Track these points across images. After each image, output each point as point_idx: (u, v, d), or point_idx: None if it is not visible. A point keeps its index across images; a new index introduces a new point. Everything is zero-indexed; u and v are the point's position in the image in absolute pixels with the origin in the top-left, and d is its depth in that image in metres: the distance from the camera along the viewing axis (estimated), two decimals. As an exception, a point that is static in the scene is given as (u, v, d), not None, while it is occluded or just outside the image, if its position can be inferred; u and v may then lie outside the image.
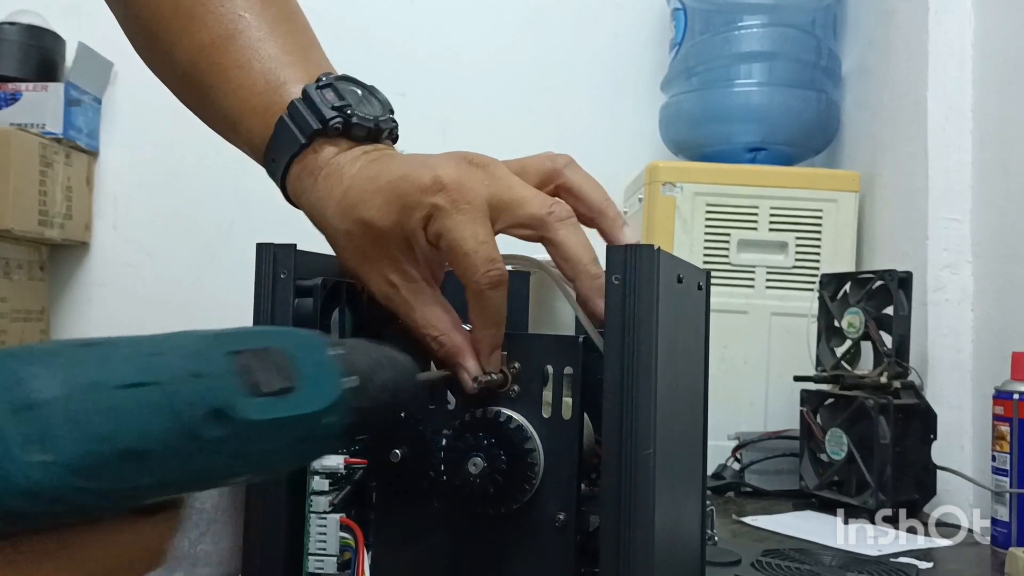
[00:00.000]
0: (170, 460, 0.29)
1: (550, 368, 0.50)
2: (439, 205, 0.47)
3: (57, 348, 0.28)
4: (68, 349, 0.28)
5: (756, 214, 1.34)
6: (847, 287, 1.16)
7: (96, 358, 0.28)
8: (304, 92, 0.54)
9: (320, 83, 0.54)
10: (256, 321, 0.53)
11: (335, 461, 0.50)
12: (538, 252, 0.52)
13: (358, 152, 0.53)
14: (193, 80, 0.57)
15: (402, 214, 0.48)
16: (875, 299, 1.11)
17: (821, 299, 1.18)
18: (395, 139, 0.57)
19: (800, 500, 1.13)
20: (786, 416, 1.25)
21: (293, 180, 0.54)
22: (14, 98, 1.55)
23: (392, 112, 0.56)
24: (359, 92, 0.55)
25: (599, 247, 0.50)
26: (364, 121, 0.53)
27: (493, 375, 0.50)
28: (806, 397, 1.15)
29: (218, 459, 0.30)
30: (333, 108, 0.53)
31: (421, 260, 0.51)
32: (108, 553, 0.30)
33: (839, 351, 1.16)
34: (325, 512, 0.52)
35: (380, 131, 0.54)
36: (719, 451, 1.20)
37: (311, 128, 0.52)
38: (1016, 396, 0.90)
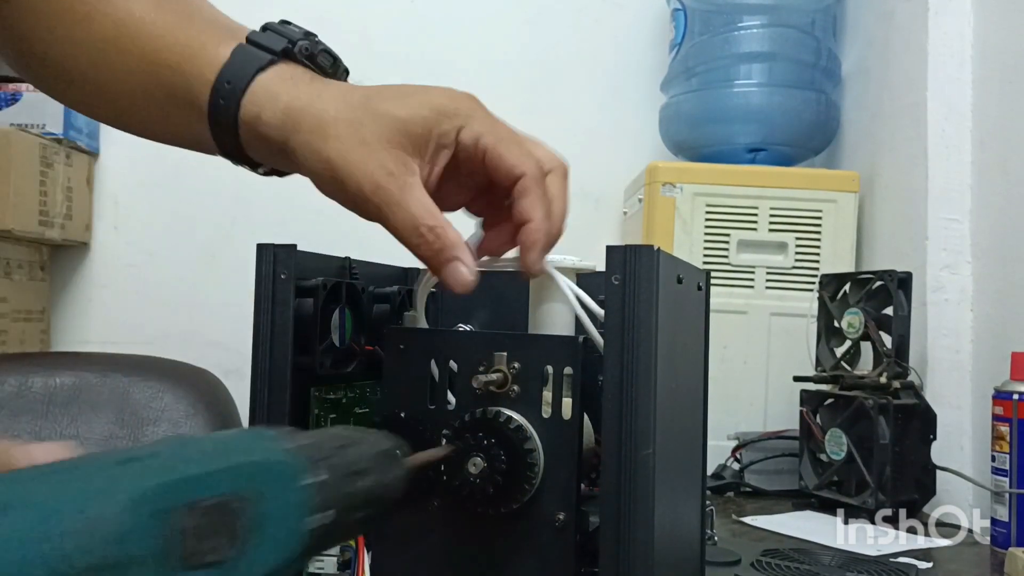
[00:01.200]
0: None
1: (550, 368, 0.50)
2: (477, 110, 0.50)
3: None
4: None
5: (756, 214, 1.34)
6: (847, 287, 1.16)
7: None
8: (263, 27, 0.53)
9: (272, 24, 0.53)
10: (256, 321, 0.53)
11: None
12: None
13: (345, 83, 0.53)
14: (109, 54, 0.54)
15: (438, 116, 0.49)
16: (875, 299, 1.12)
17: (821, 299, 1.18)
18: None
19: (800, 500, 1.13)
20: (786, 416, 1.25)
21: (258, 91, 0.50)
22: (14, 98, 1.55)
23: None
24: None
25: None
26: (330, 51, 0.53)
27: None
28: (806, 397, 1.15)
29: None
30: (301, 35, 0.52)
31: (425, 166, 0.50)
32: None
33: (839, 351, 1.16)
34: (325, 512, 0.52)
35: (340, 68, 0.54)
36: (719, 451, 1.20)
37: (280, 46, 0.51)
38: (1016, 396, 0.90)
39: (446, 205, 0.52)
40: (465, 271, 0.48)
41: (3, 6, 0.56)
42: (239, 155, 0.53)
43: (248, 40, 0.52)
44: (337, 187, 0.49)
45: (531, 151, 0.51)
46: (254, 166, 0.54)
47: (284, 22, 0.53)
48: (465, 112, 0.50)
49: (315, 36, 0.54)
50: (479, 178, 0.52)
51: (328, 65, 0.54)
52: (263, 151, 0.52)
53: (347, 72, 0.56)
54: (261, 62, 0.51)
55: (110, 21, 0.54)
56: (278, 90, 0.50)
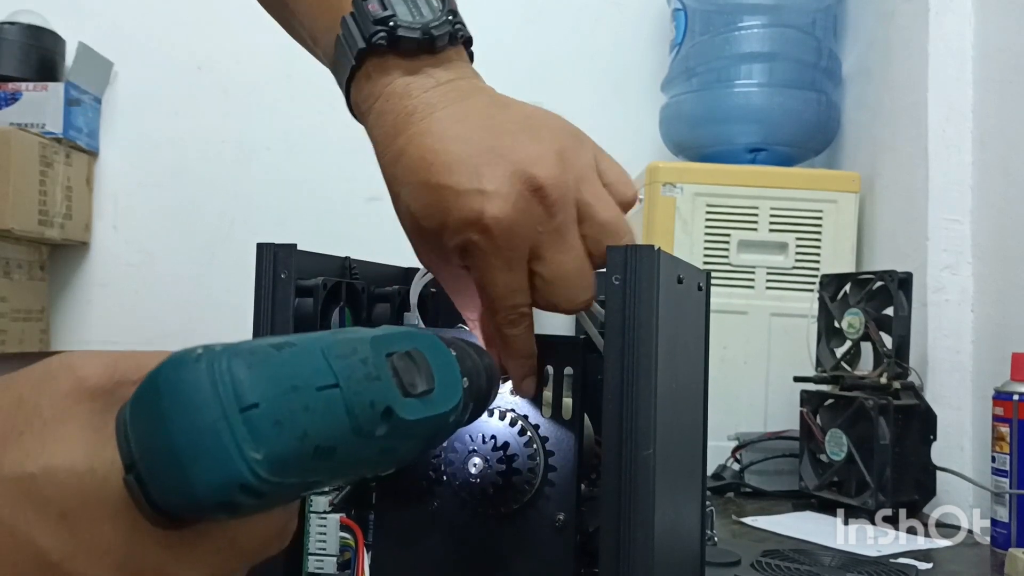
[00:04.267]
0: (347, 455, 0.31)
1: (550, 368, 0.50)
2: (476, 243, 0.44)
3: (256, 349, 0.30)
4: (266, 351, 0.30)
5: (756, 215, 1.34)
6: (847, 288, 1.16)
7: (291, 361, 0.30)
8: (353, 3, 0.49)
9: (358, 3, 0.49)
10: (256, 321, 0.53)
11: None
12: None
13: (416, 87, 0.48)
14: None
15: (441, 230, 0.45)
16: (875, 300, 1.11)
17: (821, 300, 1.18)
18: (466, 41, 0.52)
19: (800, 501, 1.13)
20: (786, 417, 1.25)
21: (357, 108, 0.49)
22: (14, 98, 1.55)
23: (453, 11, 0.50)
24: None
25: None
26: (410, 32, 0.47)
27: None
28: (806, 398, 1.15)
29: (376, 454, 0.32)
30: (376, 22, 0.47)
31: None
32: (252, 539, 0.31)
33: (839, 352, 1.16)
34: (325, 512, 0.52)
35: (433, 40, 0.48)
36: (719, 451, 1.20)
37: (357, 47, 0.48)
38: (1016, 397, 0.90)
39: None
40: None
41: None
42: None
43: (338, 37, 0.49)
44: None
45: (496, 308, 0.48)
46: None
47: None
48: (465, 237, 0.45)
49: (392, 17, 0.48)
50: None
51: (414, 48, 0.48)
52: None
53: (455, 35, 0.50)
54: (347, 72, 0.49)
55: None
56: (365, 120, 0.49)
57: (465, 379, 0.38)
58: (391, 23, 0.47)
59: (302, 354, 0.31)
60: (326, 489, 0.34)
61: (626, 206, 0.49)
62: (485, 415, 0.50)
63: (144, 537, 0.29)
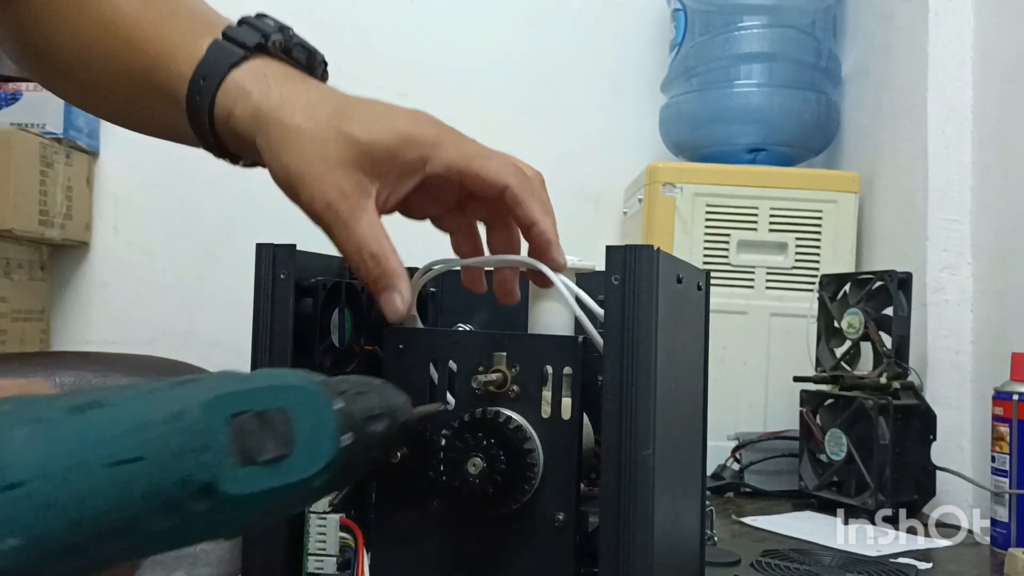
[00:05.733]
0: (150, 533, 0.28)
1: (549, 368, 0.50)
2: (443, 135, 0.50)
3: (44, 415, 0.26)
4: (55, 417, 0.26)
5: (756, 215, 1.34)
6: (847, 288, 1.16)
7: (85, 430, 0.27)
8: (239, 20, 0.53)
9: (249, 17, 0.53)
10: (256, 321, 0.53)
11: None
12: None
13: (323, 84, 0.53)
14: (99, 50, 0.55)
15: (402, 144, 0.49)
16: (875, 300, 1.11)
17: (821, 300, 1.18)
18: (326, 77, 0.56)
19: (800, 501, 1.13)
20: (786, 417, 1.25)
21: (231, 87, 0.51)
22: (14, 98, 1.55)
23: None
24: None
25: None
26: (305, 44, 0.53)
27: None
28: (806, 398, 1.15)
29: (197, 529, 0.30)
30: (275, 28, 0.52)
31: (384, 190, 0.50)
32: None
33: (839, 352, 1.16)
34: (325, 512, 0.52)
35: (316, 61, 0.54)
36: (719, 451, 1.20)
37: (253, 41, 0.52)
38: (1015, 397, 0.90)
39: (417, 215, 0.54)
40: (398, 300, 0.49)
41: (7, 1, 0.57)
42: (219, 148, 0.54)
43: (223, 35, 0.52)
44: (292, 196, 0.50)
45: (508, 162, 0.52)
46: (235, 159, 0.55)
47: (260, 15, 0.54)
48: (431, 140, 0.50)
49: (290, 29, 0.54)
50: (451, 196, 0.53)
51: (303, 59, 0.54)
52: (239, 145, 0.53)
53: (325, 64, 0.56)
54: (234, 58, 0.51)
55: (97, 15, 0.55)
56: (250, 88, 0.51)
57: (348, 435, 0.35)
58: (288, 32, 0.53)
59: (107, 421, 0.27)
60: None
61: None
62: (486, 416, 0.50)
63: None
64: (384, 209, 0.51)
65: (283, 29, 0.53)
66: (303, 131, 0.49)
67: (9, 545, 0.24)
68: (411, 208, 0.54)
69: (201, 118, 0.52)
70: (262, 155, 0.50)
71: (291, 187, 0.50)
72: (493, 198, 0.51)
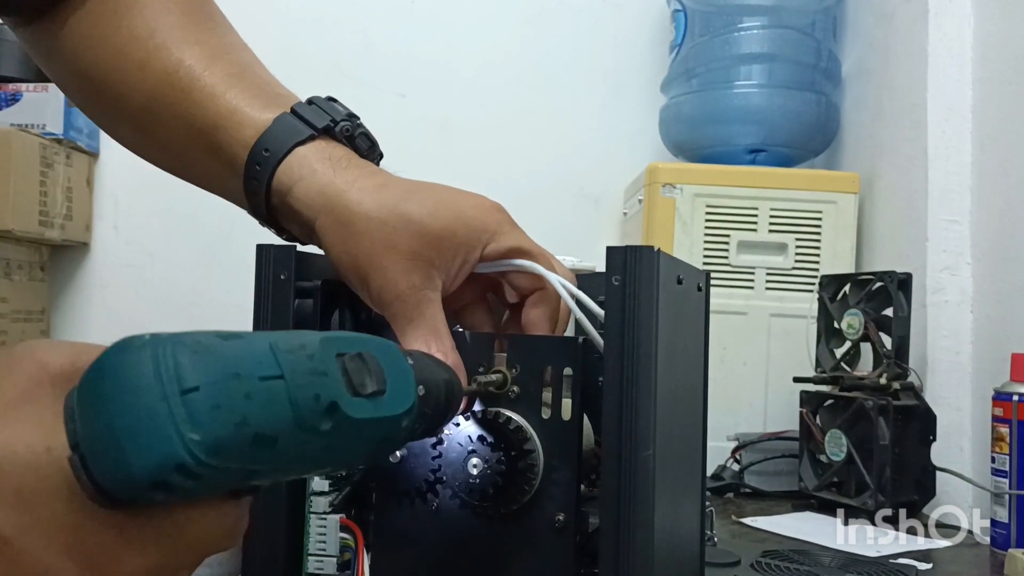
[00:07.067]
0: (289, 447, 0.31)
1: (549, 369, 0.50)
2: (504, 224, 0.51)
3: (201, 340, 0.31)
4: (211, 342, 0.31)
5: (756, 215, 1.34)
6: (847, 288, 1.16)
7: (237, 351, 0.31)
8: (308, 100, 0.54)
9: (318, 99, 0.54)
10: (256, 323, 0.53)
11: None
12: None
13: (386, 171, 0.53)
14: (163, 101, 0.55)
15: (468, 231, 0.50)
16: (875, 300, 1.12)
17: (821, 300, 1.18)
18: None
19: (799, 501, 1.13)
20: (785, 417, 1.25)
21: (294, 163, 0.51)
22: (14, 99, 1.55)
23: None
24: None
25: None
26: (368, 135, 0.54)
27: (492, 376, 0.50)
28: (805, 398, 1.15)
29: (321, 450, 0.33)
30: (344, 115, 0.53)
31: (446, 278, 0.51)
32: (201, 530, 0.32)
33: (839, 352, 1.16)
34: (325, 513, 0.52)
35: (375, 152, 0.55)
36: (719, 452, 1.20)
37: (322, 123, 0.52)
38: (1015, 397, 0.90)
39: (451, 303, 0.54)
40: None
41: (67, 37, 0.58)
42: (267, 218, 0.54)
43: (292, 110, 0.53)
44: (359, 283, 0.50)
45: (554, 267, 0.52)
46: (280, 230, 0.55)
47: (330, 99, 0.54)
48: (493, 227, 0.51)
49: (358, 118, 0.54)
50: (487, 283, 0.54)
51: (365, 148, 0.54)
52: (290, 221, 0.53)
53: (382, 156, 0.56)
54: (301, 136, 0.52)
55: (162, 69, 0.55)
56: (315, 167, 0.51)
57: (420, 387, 0.39)
58: (355, 120, 0.54)
59: (248, 346, 0.32)
60: (267, 483, 0.34)
61: None
62: (485, 415, 0.50)
63: (93, 517, 0.30)
64: (444, 295, 0.51)
65: (351, 116, 0.54)
66: (371, 217, 0.49)
67: (192, 439, 0.29)
68: (452, 296, 0.53)
69: (257, 189, 0.52)
70: (321, 237, 0.50)
71: (358, 275, 0.50)
72: (523, 295, 0.52)
